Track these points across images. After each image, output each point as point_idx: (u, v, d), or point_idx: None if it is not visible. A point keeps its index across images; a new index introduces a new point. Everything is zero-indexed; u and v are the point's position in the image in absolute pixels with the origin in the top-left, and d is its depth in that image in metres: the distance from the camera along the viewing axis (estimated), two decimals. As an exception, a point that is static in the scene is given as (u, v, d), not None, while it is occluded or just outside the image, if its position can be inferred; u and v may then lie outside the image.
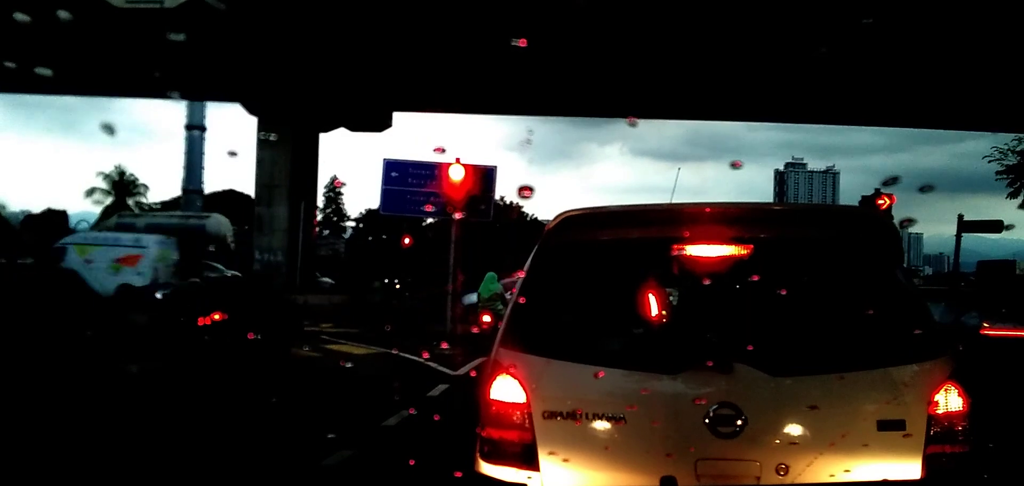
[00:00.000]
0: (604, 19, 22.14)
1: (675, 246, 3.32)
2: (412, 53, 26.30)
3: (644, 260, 3.43)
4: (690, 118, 46.59)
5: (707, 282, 3.31)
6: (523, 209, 54.18)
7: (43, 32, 8.77)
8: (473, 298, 18.05)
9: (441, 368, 12.68)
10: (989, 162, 37.94)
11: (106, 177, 58.65)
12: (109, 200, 57.06)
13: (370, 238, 55.27)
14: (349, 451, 6.52)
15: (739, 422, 3.05)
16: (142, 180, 61.46)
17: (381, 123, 35.76)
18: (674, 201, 3.84)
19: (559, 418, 3.22)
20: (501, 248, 28.35)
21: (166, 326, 13.49)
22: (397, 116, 36.56)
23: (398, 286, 32.73)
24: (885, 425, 3.05)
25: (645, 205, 3.80)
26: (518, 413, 3.26)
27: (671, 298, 3.64)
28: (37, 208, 49.60)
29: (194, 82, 30.76)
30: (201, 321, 13.01)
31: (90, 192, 57.73)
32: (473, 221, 19.28)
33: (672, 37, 24.02)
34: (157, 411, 7.84)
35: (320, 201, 60.97)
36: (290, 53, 26.34)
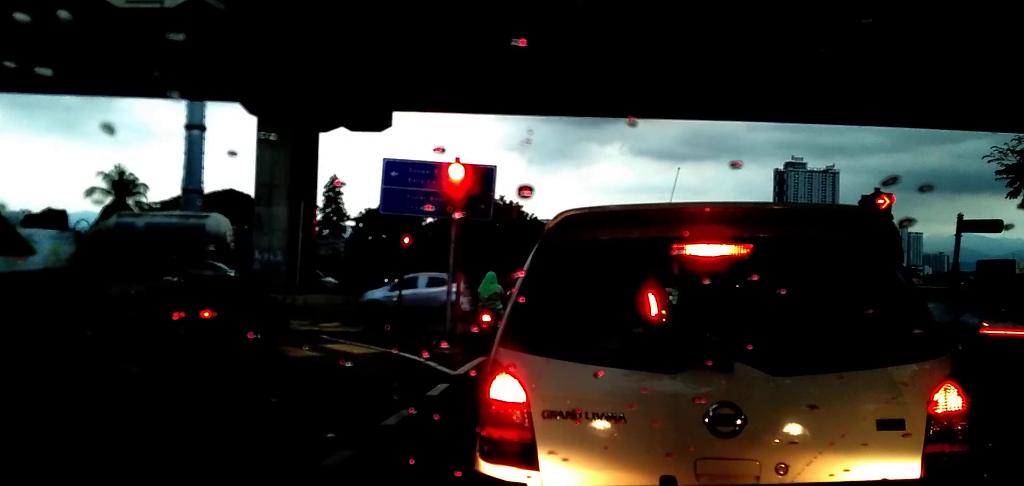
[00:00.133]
0: (604, 19, 22.17)
1: (675, 246, 3.32)
2: (412, 53, 26.32)
3: (644, 260, 3.43)
4: (690, 118, 46.68)
5: (707, 282, 3.30)
6: (523, 209, 54.26)
7: (43, 32, 8.77)
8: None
9: (441, 367, 12.68)
10: (989, 162, 38.11)
11: (106, 177, 58.91)
12: (109, 200, 57.20)
13: (370, 238, 55.27)
14: (349, 451, 6.51)
15: (739, 421, 3.05)
16: (142, 180, 61.91)
17: (381, 123, 35.81)
18: (674, 201, 3.83)
19: (559, 417, 3.21)
20: (501, 248, 28.34)
21: (139, 323, 13.44)
22: (397, 116, 36.66)
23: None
24: (885, 424, 3.05)
25: (645, 205, 3.78)
26: (518, 412, 3.25)
27: (671, 298, 3.63)
28: (37, 208, 49.59)
29: (194, 82, 30.80)
30: (175, 316, 13.06)
31: (90, 192, 57.96)
32: (473, 221, 19.24)
33: (672, 37, 24.05)
34: (157, 411, 7.84)
35: (320, 201, 61.16)
36: (290, 53, 26.37)
